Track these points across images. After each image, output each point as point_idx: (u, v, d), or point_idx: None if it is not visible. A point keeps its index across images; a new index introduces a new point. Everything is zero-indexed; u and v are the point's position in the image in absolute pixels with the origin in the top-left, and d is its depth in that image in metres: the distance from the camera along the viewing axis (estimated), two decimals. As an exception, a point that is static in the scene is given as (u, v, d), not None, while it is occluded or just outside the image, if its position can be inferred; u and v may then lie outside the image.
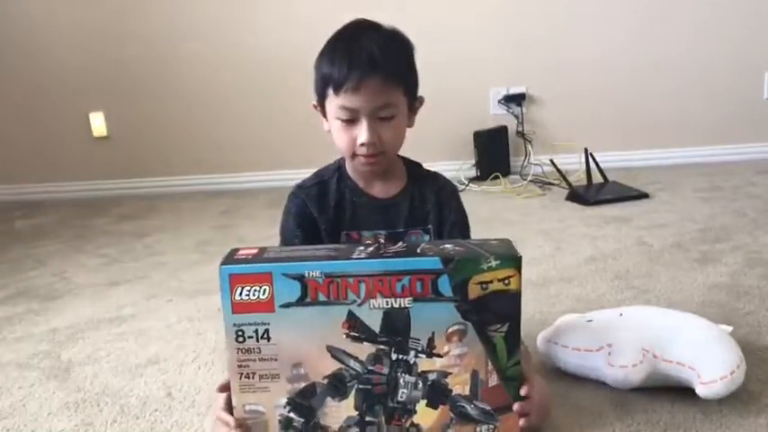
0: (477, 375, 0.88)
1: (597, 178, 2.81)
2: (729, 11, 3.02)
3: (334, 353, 0.87)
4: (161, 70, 3.27)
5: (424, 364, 0.87)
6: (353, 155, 1.14)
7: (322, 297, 0.85)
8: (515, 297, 0.84)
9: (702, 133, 3.14)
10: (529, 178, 2.99)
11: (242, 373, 0.88)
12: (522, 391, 0.91)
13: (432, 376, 0.88)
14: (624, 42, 3.10)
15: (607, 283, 1.78)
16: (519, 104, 3.13)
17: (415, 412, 0.89)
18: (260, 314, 0.85)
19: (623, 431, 1.13)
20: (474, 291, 0.84)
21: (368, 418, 0.89)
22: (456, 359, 0.87)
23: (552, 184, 2.90)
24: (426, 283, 0.83)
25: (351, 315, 0.85)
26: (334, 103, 1.12)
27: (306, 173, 1.27)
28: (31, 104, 3.39)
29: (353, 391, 0.88)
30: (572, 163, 2.92)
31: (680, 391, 1.20)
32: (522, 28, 3.10)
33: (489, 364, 0.87)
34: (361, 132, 1.10)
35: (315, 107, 1.20)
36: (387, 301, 0.84)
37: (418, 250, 0.86)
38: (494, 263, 0.83)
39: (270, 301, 0.85)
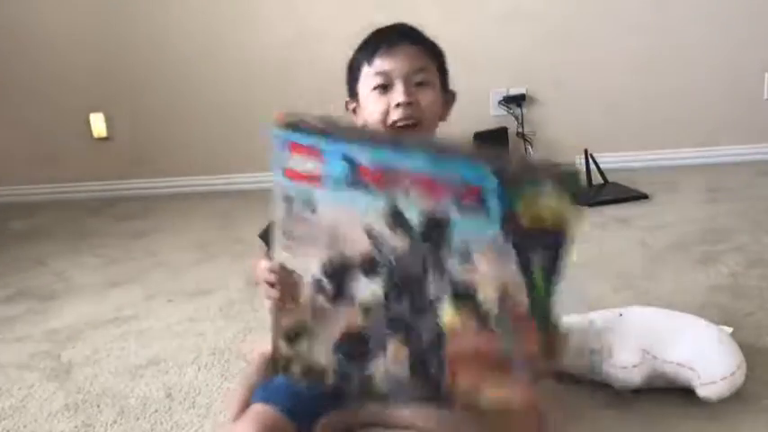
0: (505, 298, 0.85)
1: (597, 179, 2.81)
2: (729, 11, 3.02)
3: (373, 237, 0.88)
4: (161, 71, 3.27)
5: (456, 270, 0.86)
6: (388, 125, 1.10)
7: (369, 184, 0.85)
8: (563, 233, 0.81)
9: (702, 133, 3.14)
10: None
11: (285, 233, 0.92)
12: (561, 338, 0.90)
13: (459, 288, 0.87)
14: (624, 43, 3.09)
15: (607, 283, 1.78)
16: (519, 105, 3.12)
17: (439, 308, 0.90)
18: (309, 185, 0.88)
19: (623, 431, 1.13)
20: (525, 218, 0.81)
21: (393, 304, 0.91)
22: (487, 277, 0.85)
23: (552, 185, 2.89)
24: (476, 194, 0.81)
25: (394, 208, 0.86)
26: (367, 75, 1.11)
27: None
28: (31, 104, 3.39)
29: (383, 276, 0.90)
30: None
31: (680, 392, 1.20)
32: (523, 29, 3.10)
33: (521, 293, 0.84)
34: (397, 93, 1.08)
35: (346, 105, 1.19)
36: (431, 203, 0.84)
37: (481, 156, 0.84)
38: (549, 190, 0.79)
39: (319, 176, 0.87)
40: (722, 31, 3.04)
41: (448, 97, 1.18)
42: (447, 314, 0.89)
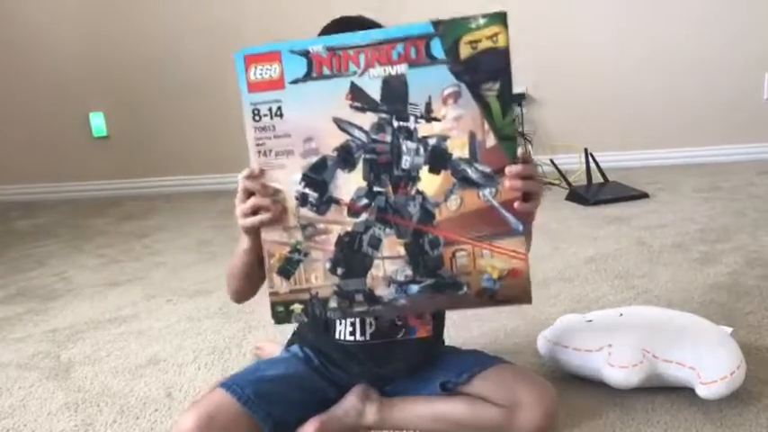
0: (474, 137, 0.92)
1: (597, 178, 2.81)
2: (729, 11, 3.02)
3: (341, 124, 0.93)
4: (161, 70, 3.27)
5: (423, 129, 0.92)
6: None
7: (326, 71, 0.91)
8: (504, 53, 0.90)
9: (702, 133, 3.15)
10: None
11: (260, 151, 0.95)
12: (519, 151, 0.94)
13: (432, 141, 0.93)
14: (624, 42, 3.10)
15: (607, 283, 1.78)
16: (519, 104, 3.13)
17: (419, 179, 0.94)
18: (272, 92, 0.93)
19: (623, 431, 1.13)
20: (465, 50, 0.89)
21: (376, 188, 0.95)
22: (453, 122, 0.91)
23: (552, 184, 2.90)
24: (420, 48, 0.90)
25: (353, 86, 0.91)
26: None
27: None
28: (31, 104, 3.39)
29: (361, 162, 0.94)
30: (572, 163, 2.92)
31: (680, 391, 1.20)
32: (523, 28, 3.09)
33: (485, 124, 0.91)
34: None
35: None
36: (385, 69, 0.91)
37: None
38: (481, 21, 0.89)
39: (280, 79, 0.93)
40: (722, 32, 3.04)
41: None
42: (427, 182, 0.94)
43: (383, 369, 1.18)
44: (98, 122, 3.38)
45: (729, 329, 1.28)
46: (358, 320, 1.15)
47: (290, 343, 1.28)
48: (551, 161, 2.92)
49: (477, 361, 1.17)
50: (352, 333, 1.16)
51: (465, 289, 0.96)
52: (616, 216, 2.40)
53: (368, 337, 1.15)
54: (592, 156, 2.81)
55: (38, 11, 3.28)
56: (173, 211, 3.03)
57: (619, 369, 1.19)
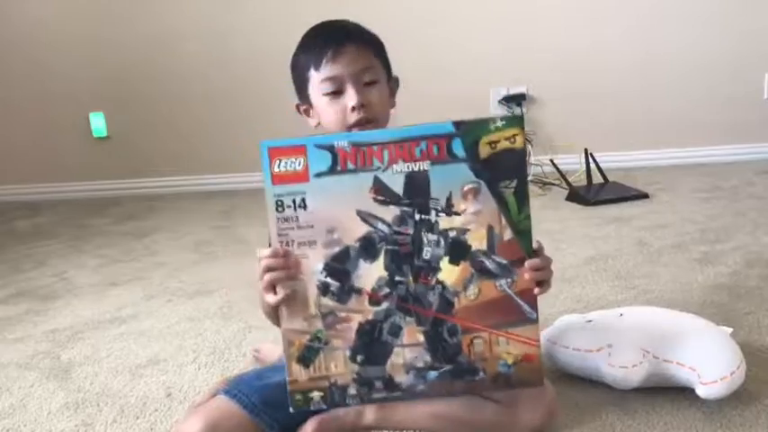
0: (492, 230, 0.96)
1: (597, 178, 2.81)
2: (730, 11, 3.02)
3: (364, 216, 0.95)
4: (161, 71, 3.27)
5: (444, 222, 0.96)
6: (346, 127, 1.13)
7: (350, 165, 0.94)
8: (521, 153, 0.94)
9: (702, 133, 3.14)
10: (529, 178, 2.98)
11: (282, 242, 0.97)
12: (534, 244, 0.98)
13: (452, 234, 0.96)
14: (624, 42, 3.10)
15: (607, 283, 1.78)
16: (519, 104, 3.12)
17: (440, 270, 0.97)
18: (296, 184, 0.95)
19: (623, 431, 1.13)
20: (484, 150, 0.94)
21: (397, 278, 0.97)
22: (472, 216, 0.96)
23: (552, 184, 2.89)
24: (442, 146, 0.94)
25: (377, 180, 0.94)
26: (317, 80, 1.12)
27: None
28: (32, 105, 3.39)
29: (383, 253, 0.97)
30: (572, 163, 2.91)
31: (680, 391, 1.20)
32: (523, 28, 3.10)
33: (503, 219, 0.96)
34: (350, 97, 1.10)
35: (297, 108, 1.21)
36: (408, 166, 0.94)
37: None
38: (500, 123, 0.93)
39: (305, 172, 0.95)
40: (722, 32, 3.04)
41: (393, 85, 1.20)
42: (447, 273, 0.98)
43: None
44: (98, 122, 3.37)
45: (729, 330, 1.28)
46: None
47: None
48: (551, 161, 2.91)
49: None
50: None
51: (481, 374, 1.01)
52: (616, 216, 2.40)
53: None
54: (592, 156, 2.81)
55: (38, 11, 3.28)
56: (172, 211, 3.03)
57: (619, 369, 1.19)
